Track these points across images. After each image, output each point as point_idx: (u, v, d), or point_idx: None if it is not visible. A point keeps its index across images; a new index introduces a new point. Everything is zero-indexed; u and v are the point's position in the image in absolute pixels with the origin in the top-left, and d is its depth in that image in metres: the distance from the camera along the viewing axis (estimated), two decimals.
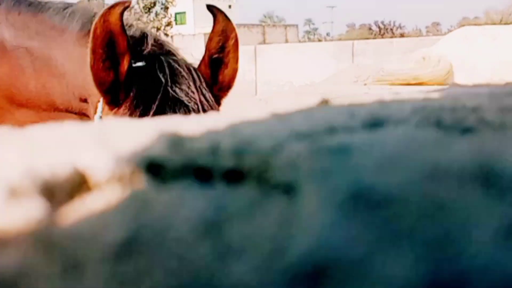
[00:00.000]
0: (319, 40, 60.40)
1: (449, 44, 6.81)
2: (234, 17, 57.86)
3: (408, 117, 0.52)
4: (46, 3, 1.95)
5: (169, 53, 1.80)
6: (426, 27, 69.13)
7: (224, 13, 1.75)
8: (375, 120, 0.51)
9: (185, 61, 1.77)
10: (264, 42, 44.59)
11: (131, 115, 1.56)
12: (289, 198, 0.33)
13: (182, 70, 1.69)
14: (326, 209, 0.29)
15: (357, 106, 0.62)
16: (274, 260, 0.25)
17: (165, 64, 1.70)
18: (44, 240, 0.28)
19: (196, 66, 1.77)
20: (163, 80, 1.63)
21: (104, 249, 0.28)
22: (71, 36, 1.76)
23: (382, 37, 49.84)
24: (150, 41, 1.77)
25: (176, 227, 0.29)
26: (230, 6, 62.89)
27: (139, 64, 1.68)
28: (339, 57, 19.98)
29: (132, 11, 39.47)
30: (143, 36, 1.79)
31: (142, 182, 0.38)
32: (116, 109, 1.58)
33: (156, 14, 39.41)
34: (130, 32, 1.75)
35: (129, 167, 0.39)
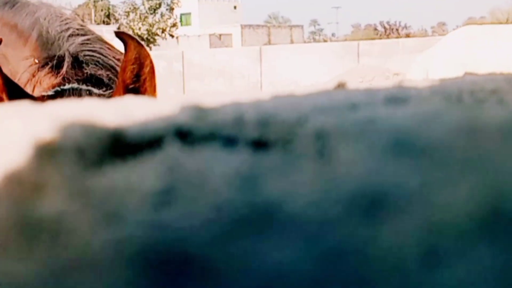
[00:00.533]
0: (325, 41, 60.33)
1: (452, 43, 6.78)
2: (239, 18, 58.00)
3: (429, 96, 0.52)
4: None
5: (92, 79, 1.72)
6: (432, 27, 69.01)
7: (136, 39, 1.64)
8: (397, 99, 0.51)
9: (98, 93, 1.68)
10: (269, 42, 44.60)
11: None
12: (322, 158, 0.33)
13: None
14: (371, 155, 0.29)
15: (376, 88, 0.61)
16: (327, 197, 0.25)
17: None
18: (81, 191, 0.29)
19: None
20: None
21: (142, 198, 0.28)
22: None
23: (388, 37, 49.80)
24: (67, 66, 1.70)
25: (212, 181, 0.29)
26: (235, 7, 62.99)
27: (50, 92, 1.63)
28: (344, 58, 19.96)
29: (138, 12, 39.61)
30: (62, 58, 1.71)
31: (172, 145, 0.38)
32: None
33: (162, 15, 39.50)
34: (56, 52, 1.72)
35: (157, 131, 0.39)
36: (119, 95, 1.63)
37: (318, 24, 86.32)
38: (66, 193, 0.32)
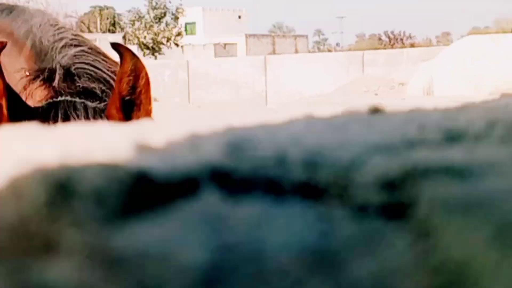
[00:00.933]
0: (329, 51, 60.45)
1: (457, 52, 6.77)
2: (244, 27, 58.11)
3: (485, 131, 0.46)
4: None
5: (85, 92, 1.69)
6: (436, 36, 69.05)
7: (132, 51, 1.63)
8: (449, 133, 0.45)
9: (93, 106, 1.65)
10: (273, 52, 44.64)
11: None
12: (404, 219, 0.27)
13: (79, 117, 1.58)
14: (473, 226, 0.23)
15: (418, 115, 0.56)
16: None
17: (61, 112, 1.58)
18: (100, 252, 0.23)
19: None
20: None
21: (182, 273, 0.22)
22: None
23: (392, 47, 49.84)
24: (58, 79, 1.67)
25: (272, 254, 0.23)
26: (239, 17, 63.09)
27: (43, 104, 1.60)
28: (349, 68, 19.93)
29: (143, 20, 39.72)
30: (54, 71, 1.68)
31: (209, 191, 0.33)
32: None
33: (167, 24, 39.61)
34: (49, 63, 1.69)
35: (192, 172, 0.34)
36: (115, 106, 1.61)
37: (323, 34, 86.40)
38: (81, 255, 0.27)
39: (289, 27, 78.80)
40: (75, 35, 1.92)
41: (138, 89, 1.62)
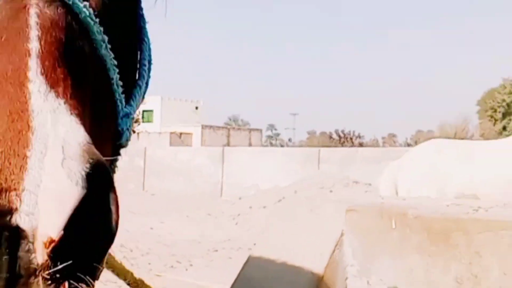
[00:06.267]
0: (281, 146, 61.85)
1: (420, 156, 7.15)
2: (200, 118, 59.10)
3: None
4: None
5: None
6: (383, 137, 71.64)
7: None
8: None
9: None
10: (228, 144, 45.41)
11: None
12: None
13: None
14: None
15: None
16: None
17: None
18: None
19: None
20: None
21: None
22: None
23: (342, 145, 51.51)
24: None
25: None
26: (197, 108, 64.33)
27: None
28: (305, 164, 20.52)
29: None
30: None
31: None
32: None
33: None
34: None
35: None
36: None
37: (275, 129, 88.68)
38: None
39: (244, 120, 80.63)
40: None
41: None
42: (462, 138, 48.08)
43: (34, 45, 1.13)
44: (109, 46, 1.31)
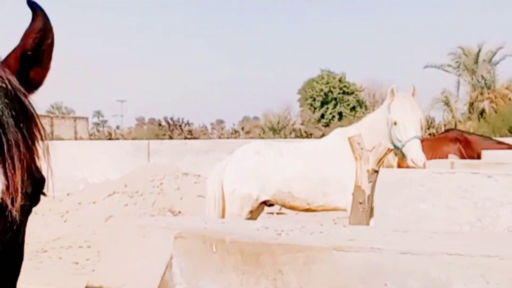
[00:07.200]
0: (109, 133, 60.33)
1: (242, 157, 7.65)
2: None
3: None
4: None
5: None
6: (211, 124, 73.11)
7: (45, 12, 1.71)
8: None
9: None
10: (52, 134, 43.19)
11: None
12: None
13: None
14: None
15: None
16: None
17: None
18: None
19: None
20: None
21: None
22: None
23: (172, 133, 51.83)
24: None
25: None
26: None
27: None
28: (135, 155, 20.40)
29: None
30: None
31: None
32: None
33: None
34: None
35: None
36: (14, 56, 1.67)
37: (102, 116, 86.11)
38: None
39: (69, 108, 77.04)
40: None
41: (43, 48, 1.70)
42: (285, 126, 51.15)
43: None
44: None
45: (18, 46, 1.69)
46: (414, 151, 6.54)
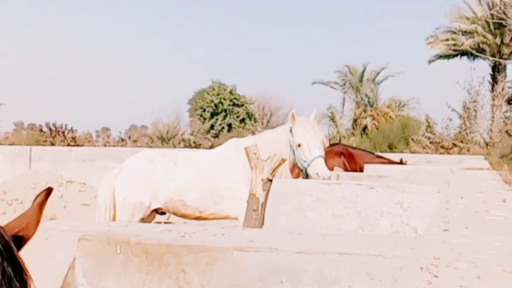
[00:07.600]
0: None
1: (133, 166, 7.61)
2: None
3: None
4: None
5: None
6: (96, 131, 70.83)
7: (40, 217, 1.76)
8: None
9: None
10: None
11: None
12: None
13: None
14: None
15: None
16: None
17: None
18: None
19: None
20: None
21: None
22: None
23: (54, 139, 49.59)
24: None
25: None
26: None
27: None
28: (14, 161, 19.40)
29: None
30: None
31: None
32: None
33: None
34: None
35: None
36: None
37: None
38: None
39: None
40: None
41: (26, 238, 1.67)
42: (174, 135, 50.73)
43: None
44: None
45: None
46: (320, 167, 6.99)
